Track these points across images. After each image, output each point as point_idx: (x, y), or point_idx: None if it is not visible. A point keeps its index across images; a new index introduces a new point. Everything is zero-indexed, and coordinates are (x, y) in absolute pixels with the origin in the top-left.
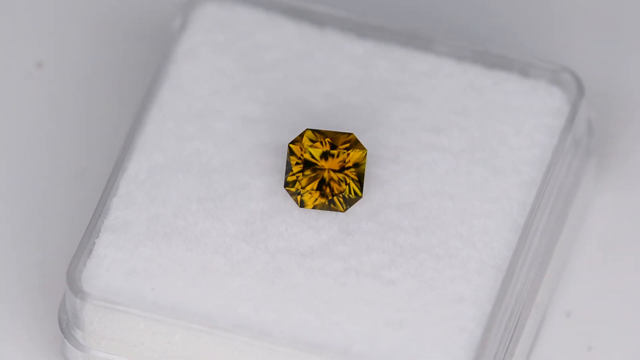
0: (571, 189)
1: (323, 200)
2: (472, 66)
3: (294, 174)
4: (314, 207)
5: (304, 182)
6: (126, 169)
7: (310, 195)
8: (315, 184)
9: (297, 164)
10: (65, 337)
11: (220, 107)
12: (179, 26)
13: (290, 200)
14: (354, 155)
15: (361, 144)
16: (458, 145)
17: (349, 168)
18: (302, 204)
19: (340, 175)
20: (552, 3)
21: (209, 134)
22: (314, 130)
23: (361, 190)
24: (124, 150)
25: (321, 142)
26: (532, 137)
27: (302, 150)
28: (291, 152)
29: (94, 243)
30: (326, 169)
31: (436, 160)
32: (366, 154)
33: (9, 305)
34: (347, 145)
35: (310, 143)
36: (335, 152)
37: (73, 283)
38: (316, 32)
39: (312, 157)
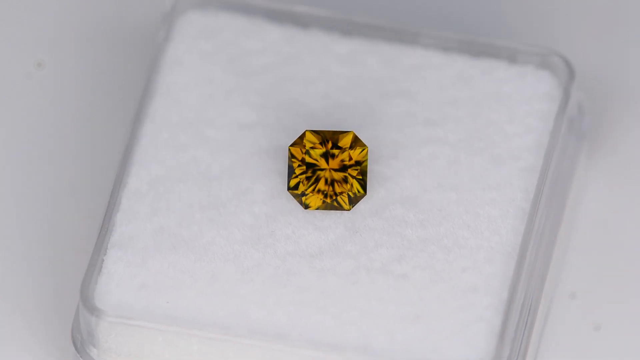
0: (567, 172)
1: (327, 200)
2: (459, 56)
3: (296, 176)
4: (319, 208)
5: (307, 184)
6: (127, 183)
7: (314, 196)
8: (318, 185)
9: (299, 166)
10: (80, 356)
11: (213, 115)
12: (164, 36)
13: (294, 202)
14: (356, 154)
15: (362, 142)
16: (455, 137)
17: (351, 166)
18: (306, 206)
19: (343, 175)
20: None
21: (203, 142)
22: (313, 131)
23: (365, 188)
24: (123, 165)
25: (321, 143)
26: (527, 123)
27: (303, 152)
28: (292, 155)
29: (103, 260)
30: (329, 169)
31: (435, 153)
32: (367, 151)
33: (19, 330)
34: (348, 143)
35: (311, 144)
36: (336, 151)
37: (87, 301)
38: (301, 33)
39: (314, 158)
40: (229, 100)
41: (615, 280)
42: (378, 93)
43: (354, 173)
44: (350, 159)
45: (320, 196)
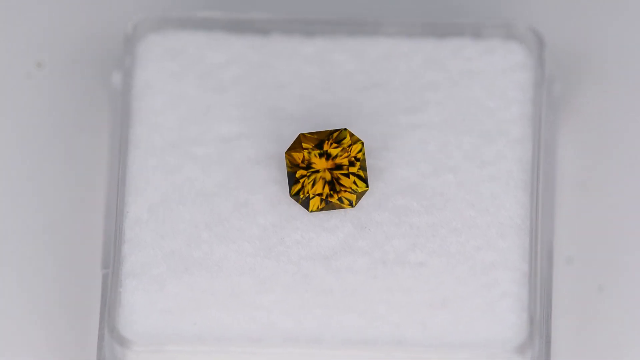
0: (550, 139)
1: (331, 200)
2: (425, 40)
3: (297, 181)
4: (323, 209)
5: (309, 187)
6: (127, 213)
7: (317, 198)
8: (320, 187)
9: (298, 171)
10: None
11: (195, 133)
12: (129, 62)
13: (296, 207)
14: (353, 150)
15: (356, 137)
16: (439, 120)
17: (350, 163)
18: (310, 209)
19: (343, 172)
20: None
21: (193, 161)
22: (306, 134)
23: (367, 183)
24: (118, 196)
25: (317, 144)
26: (506, 95)
27: (299, 156)
28: (289, 160)
29: (120, 292)
30: (328, 170)
31: (424, 139)
32: (363, 145)
33: None
34: (344, 141)
35: (307, 147)
36: (333, 151)
37: (115, 334)
38: (263, 40)
39: (312, 160)
40: (208, 116)
41: (608, 240)
42: (353, 88)
43: (354, 169)
44: (348, 155)
45: (323, 197)
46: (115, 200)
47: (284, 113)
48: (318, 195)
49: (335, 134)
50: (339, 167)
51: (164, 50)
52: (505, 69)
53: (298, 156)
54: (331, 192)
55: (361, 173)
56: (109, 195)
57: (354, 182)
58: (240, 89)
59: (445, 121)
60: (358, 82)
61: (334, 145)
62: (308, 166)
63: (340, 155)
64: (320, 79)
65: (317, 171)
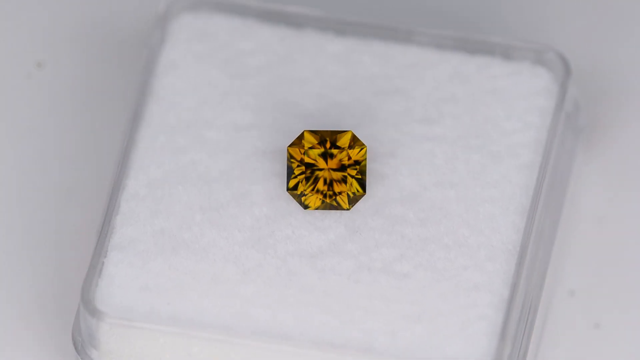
0: (565, 168)
1: (327, 200)
2: (454, 54)
3: (295, 177)
4: (318, 208)
5: (306, 184)
6: (125, 186)
7: (313, 196)
8: (317, 185)
9: (297, 166)
10: (81, 358)
11: (210, 117)
12: (158, 39)
13: (293, 203)
14: (354, 153)
15: (360, 141)
16: (452, 134)
17: (350, 166)
18: (306, 206)
19: (342, 174)
20: None
21: (202, 144)
22: (311, 131)
23: (364, 187)
24: (121, 168)
25: (320, 143)
26: (524, 119)
27: (301, 152)
28: (291, 155)
29: (103, 263)
30: (327, 169)
31: (433, 151)
32: (366, 150)
33: (19, 331)
34: (347, 143)
35: (310, 144)
36: (335, 151)
37: (88, 304)
38: (295, 33)
39: (313, 158)
40: (225, 102)
41: (614, 277)
42: (373, 91)
43: (353, 172)
44: (349, 158)
45: (320, 196)
46: (117, 172)
47: (300, 109)
48: (314, 193)
49: (339, 135)
50: (339, 168)
51: (194, 31)
52: (528, 93)
53: (299, 152)
54: (328, 192)
55: (359, 177)
56: (114, 169)
57: (352, 185)
58: (260, 79)
59: (458, 136)
60: (378, 86)
61: (336, 145)
62: (308, 163)
63: (342, 157)
64: (341, 79)
65: (317, 169)
